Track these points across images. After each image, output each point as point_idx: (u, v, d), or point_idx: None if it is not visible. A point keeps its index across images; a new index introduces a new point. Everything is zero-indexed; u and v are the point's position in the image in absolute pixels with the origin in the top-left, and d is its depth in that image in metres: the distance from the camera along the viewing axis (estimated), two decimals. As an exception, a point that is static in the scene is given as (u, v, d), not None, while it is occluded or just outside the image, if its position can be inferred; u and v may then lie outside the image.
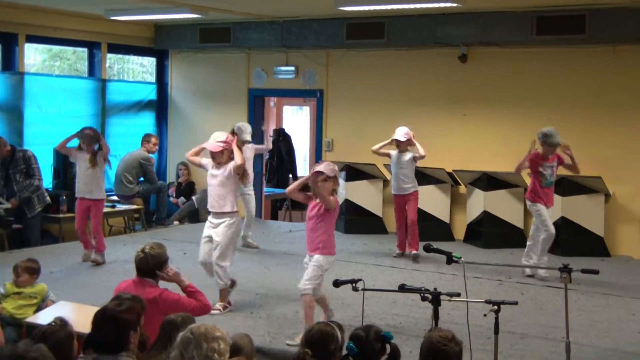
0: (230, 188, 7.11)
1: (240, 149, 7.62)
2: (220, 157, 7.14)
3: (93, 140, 8.97)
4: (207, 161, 7.27)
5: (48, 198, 10.23)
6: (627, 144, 9.80)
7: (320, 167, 6.27)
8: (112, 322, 3.88)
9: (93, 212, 9.01)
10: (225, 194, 7.09)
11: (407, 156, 9.39)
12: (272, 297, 7.53)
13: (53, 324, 4.14)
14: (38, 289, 6.38)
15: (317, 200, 6.31)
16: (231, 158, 7.15)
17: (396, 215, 9.62)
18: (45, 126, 11.53)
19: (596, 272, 5.40)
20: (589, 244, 9.66)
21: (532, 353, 6.05)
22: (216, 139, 7.20)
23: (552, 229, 8.46)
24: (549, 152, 8.42)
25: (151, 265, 5.11)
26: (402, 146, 9.37)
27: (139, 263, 5.14)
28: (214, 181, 7.14)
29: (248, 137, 9.65)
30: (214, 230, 7.10)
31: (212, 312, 6.96)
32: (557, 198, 9.78)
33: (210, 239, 7.13)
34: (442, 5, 9.48)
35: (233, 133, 9.15)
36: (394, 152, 9.47)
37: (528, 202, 8.65)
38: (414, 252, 9.37)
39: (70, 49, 12.65)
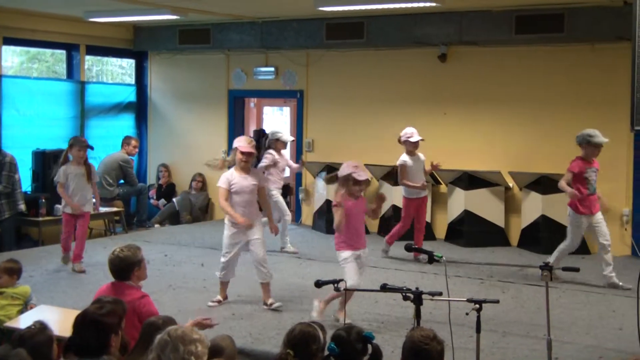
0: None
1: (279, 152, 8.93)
2: (251, 160, 7.27)
3: (86, 146, 8.83)
4: (228, 179, 7.19)
5: (22, 206, 10.08)
6: (607, 142, 9.84)
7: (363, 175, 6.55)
8: (92, 325, 3.85)
9: (82, 222, 8.90)
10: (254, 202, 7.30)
11: (421, 157, 9.30)
12: (253, 298, 7.50)
13: (32, 327, 4.10)
14: (21, 291, 6.31)
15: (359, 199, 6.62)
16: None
17: (414, 219, 9.40)
18: (23, 129, 11.45)
19: (577, 270, 5.44)
20: (569, 241, 9.70)
21: (513, 351, 6.07)
22: (248, 142, 7.30)
23: (576, 244, 8.20)
24: (593, 155, 8.03)
25: (119, 268, 5.06)
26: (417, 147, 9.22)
27: (110, 265, 5.13)
28: (247, 188, 7.18)
29: (290, 137, 10.04)
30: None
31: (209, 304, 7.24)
32: (536, 196, 9.86)
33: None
34: (422, 5, 9.49)
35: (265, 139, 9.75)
36: (409, 160, 9.13)
37: (571, 212, 8.11)
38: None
39: (48, 51, 12.56)
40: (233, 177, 7.16)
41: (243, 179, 7.16)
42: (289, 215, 9.87)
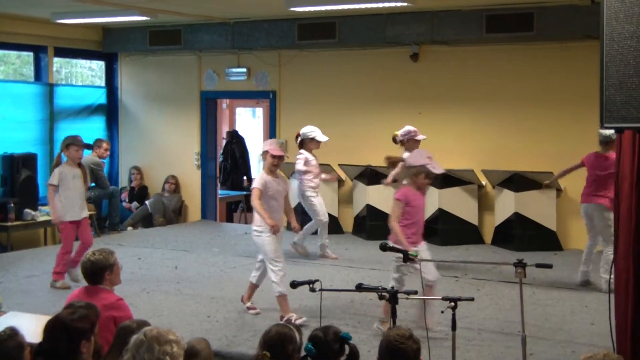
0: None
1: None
2: (281, 163, 7.07)
3: (83, 145, 8.44)
4: (265, 181, 6.89)
5: None
6: (577, 139, 9.92)
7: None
8: (62, 330, 3.79)
9: (84, 229, 8.20)
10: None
11: None
12: (229, 301, 7.47)
13: (2, 333, 4.03)
14: None
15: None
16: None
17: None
18: (-9, 132, 11.30)
19: (550, 267, 5.47)
20: (542, 238, 9.79)
21: (489, 348, 6.10)
22: (279, 145, 7.16)
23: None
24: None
25: (91, 271, 5.01)
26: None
27: (82, 269, 5.08)
28: (281, 193, 6.99)
29: (325, 137, 9.34)
30: None
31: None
32: (509, 194, 9.92)
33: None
34: (393, 4, 9.51)
35: (297, 137, 9.38)
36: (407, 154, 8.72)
37: (607, 209, 7.57)
38: None
39: (14, 53, 12.39)
40: (268, 181, 6.85)
41: (276, 183, 6.91)
42: (325, 217, 9.41)
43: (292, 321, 6.43)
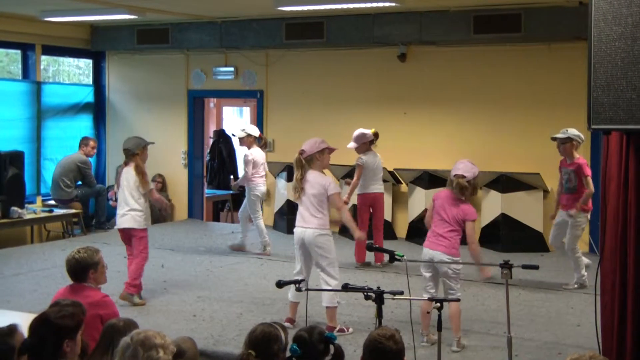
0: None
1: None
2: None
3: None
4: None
5: None
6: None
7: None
8: (49, 328, 3.78)
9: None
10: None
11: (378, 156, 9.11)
12: (214, 300, 7.46)
13: (5, 329, 4.02)
14: None
15: None
16: None
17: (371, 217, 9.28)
18: (-23, 130, 11.24)
19: (536, 268, 5.48)
20: (528, 239, 9.81)
21: (474, 348, 6.11)
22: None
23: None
24: (560, 152, 8.01)
25: (75, 269, 4.99)
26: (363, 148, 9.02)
27: (66, 266, 5.05)
28: None
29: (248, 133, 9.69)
30: None
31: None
32: (496, 195, 9.94)
33: None
34: (381, 4, 9.52)
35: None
36: (364, 157, 8.95)
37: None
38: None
39: (2, 50, 12.33)
40: None
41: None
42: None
43: (347, 332, 6.41)
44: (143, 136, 8.26)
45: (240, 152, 14.32)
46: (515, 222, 9.84)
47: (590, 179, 7.79)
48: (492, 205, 10.05)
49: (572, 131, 7.89)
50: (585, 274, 7.91)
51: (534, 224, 9.91)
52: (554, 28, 9.55)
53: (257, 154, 9.58)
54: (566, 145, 7.89)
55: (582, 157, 7.99)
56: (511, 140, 10.23)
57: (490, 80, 10.41)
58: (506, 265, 5.16)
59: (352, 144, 8.98)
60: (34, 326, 3.83)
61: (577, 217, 7.83)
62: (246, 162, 9.52)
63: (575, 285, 7.99)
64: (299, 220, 6.51)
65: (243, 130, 9.73)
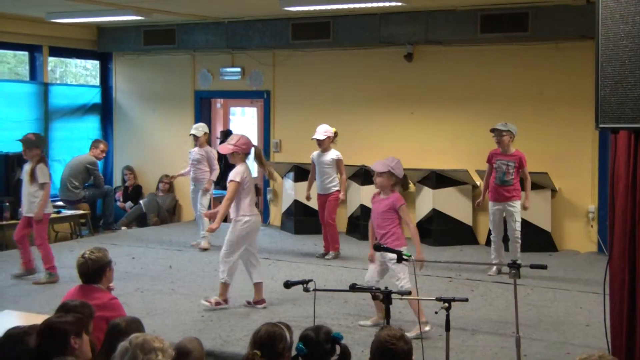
0: (238, 194, 7.12)
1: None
2: (232, 158, 7.21)
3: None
4: None
5: None
6: (572, 139, 9.96)
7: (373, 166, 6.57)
8: (48, 331, 3.81)
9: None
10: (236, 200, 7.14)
11: (329, 155, 9.39)
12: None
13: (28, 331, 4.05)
14: None
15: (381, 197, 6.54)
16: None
17: (320, 215, 9.66)
18: (-15, 132, 11.27)
19: (544, 267, 5.46)
20: (536, 239, 9.78)
21: (483, 349, 6.09)
22: (228, 142, 7.27)
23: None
24: (498, 144, 8.47)
25: (91, 270, 5.01)
26: (323, 145, 9.39)
27: (80, 268, 5.06)
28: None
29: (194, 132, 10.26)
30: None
31: (202, 302, 6.99)
32: (504, 194, 9.90)
33: None
34: (387, 4, 9.51)
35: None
36: (315, 152, 9.52)
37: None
38: (332, 252, 9.46)
39: (10, 52, 12.37)
40: None
41: None
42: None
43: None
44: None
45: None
46: (524, 222, 9.70)
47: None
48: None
49: (511, 125, 8.42)
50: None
51: (542, 223, 9.88)
52: (561, 27, 9.52)
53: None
54: (505, 137, 8.36)
55: (518, 150, 8.52)
56: (519, 140, 10.14)
57: (497, 79, 10.39)
58: (514, 265, 5.15)
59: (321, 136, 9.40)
60: (39, 333, 3.85)
61: (517, 206, 8.42)
62: (214, 158, 10.24)
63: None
64: None
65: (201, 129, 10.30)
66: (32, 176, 8.16)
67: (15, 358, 3.87)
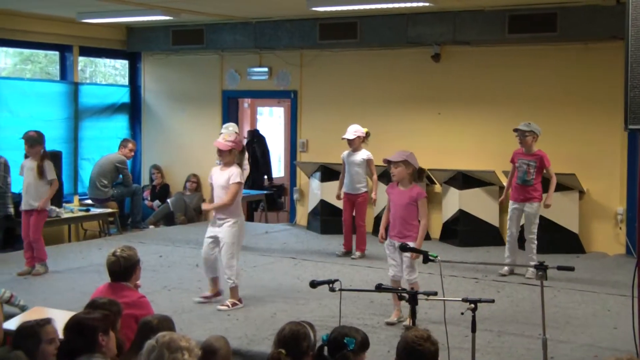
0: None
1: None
2: (227, 156, 7.20)
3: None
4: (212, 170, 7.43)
5: (11, 209, 10.02)
6: (600, 141, 9.88)
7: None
8: (77, 327, 3.86)
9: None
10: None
11: (359, 155, 9.40)
12: (249, 299, 7.49)
13: (40, 321, 4.12)
14: None
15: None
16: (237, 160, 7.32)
17: (345, 215, 9.67)
18: (17, 131, 11.31)
19: (572, 269, 5.43)
20: (564, 240, 9.72)
21: (509, 350, 6.07)
22: (226, 138, 7.27)
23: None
24: (521, 144, 8.50)
25: (123, 268, 5.08)
26: (354, 145, 9.39)
27: (111, 266, 5.11)
28: (219, 182, 7.20)
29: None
30: (218, 229, 7.19)
31: (220, 308, 7.03)
32: (531, 196, 9.85)
33: (213, 238, 7.23)
34: (415, 4, 9.50)
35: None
36: (345, 152, 9.54)
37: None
38: (358, 253, 9.44)
39: (41, 52, 12.52)
40: None
41: None
42: None
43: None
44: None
45: (274, 152, 14.44)
46: (551, 223, 9.74)
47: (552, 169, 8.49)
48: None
49: (534, 125, 8.41)
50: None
51: (569, 225, 9.81)
52: (590, 27, 9.45)
53: None
54: (527, 137, 8.37)
55: (541, 150, 8.51)
56: (546, 141, 10.08)
57: (525, 80, 10.33)
58: (541, 267, 5.12)
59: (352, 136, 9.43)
60: (67, 328, 3.91)
61: (535, 208, 8.46)
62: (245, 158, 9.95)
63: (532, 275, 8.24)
64: None
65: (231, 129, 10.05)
66: (41, 172, 8.38)
67: (29, 351, 3.94)
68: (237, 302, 7.18)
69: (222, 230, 7.16)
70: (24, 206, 8.57)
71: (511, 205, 8.56)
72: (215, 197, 7.27)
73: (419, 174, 6.67)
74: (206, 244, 7.27)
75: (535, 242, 8.45)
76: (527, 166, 8.39)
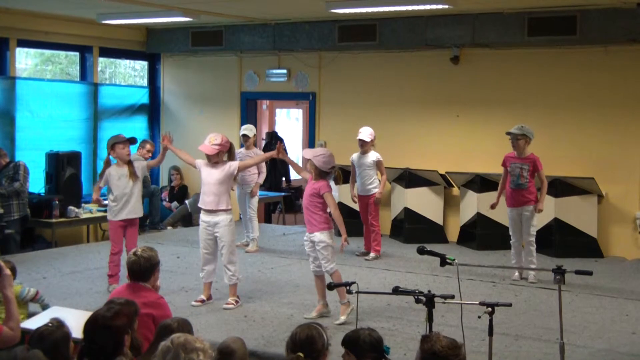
0: (227, 187, 7.32)
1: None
2: (216, 157, 7.32)
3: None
4: (200, 162, 7.46)
5: (28, 210, 10.08)
6: (619, 144, 9.82)
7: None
8: (105, 329, 3.87)
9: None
10: (222, 192, 7.26)
11: (370, 157, 9.44)
12: (266, 301, 7.52)
13: (49, 324, 4.14)
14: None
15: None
16: (227, 157, 7.44)
17: (362, 216, 9.73)
18: (37, 131, 11.51)
19: (590, 273, 5.40)
20: (582, 245, 9.67)
21: (526, 354, 6.05)
22: (212, 142, 7.32)
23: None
24: (513, 147, 8.47)
25: (143, 268, 5.11)
26: (366, 147, 9.44)
27: (132, 266, 5.14)
28: (211, 179, 7.25)
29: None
30: (215, 224, 7.27)
31: (226, 306, 7.13)
32: (550, 199, 9.81)
33: (211, 236, 7.34)
34: (433, 7, 9.49)
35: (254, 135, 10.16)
36: (355, 154, 9.59)
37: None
38: (373, 254, 9.49)
39: (62, 53, 12.61)
40: None
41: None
42: None
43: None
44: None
45: (292, 154, 14.44)
46: (569, 227, 9.70)
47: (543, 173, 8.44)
48: (545, 209, 9.88)
49: (527, 128, 8.36)
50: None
51: (588, 229, 9.76)
52: (610, 30, 9.40)
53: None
54: (520, 141, 8.32)
55: (533, 153, 8.45)
56: (565, 144, 10.09)
57: (545, 83, 10.29)
58: (559, 271, 5.10)
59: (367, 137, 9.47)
60: (88, 329, 3.92)
61: (532, 210, 8.40)
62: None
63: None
64: None
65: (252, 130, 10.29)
66: (135, 175, 7.93)
67: (46, 352, 3.97)
68: (237, 298, 7.32)
69: (220, 229, 7.27)
70: (127, 215, 7.90)
71: (510, 212, 8.52)
72: (207, 192, 7.30)
73: (327, 174, 7.02)
74: (204, 238, 7.36)
75: (534, 244, 8.42)
76: (520, 169, 8.34)
